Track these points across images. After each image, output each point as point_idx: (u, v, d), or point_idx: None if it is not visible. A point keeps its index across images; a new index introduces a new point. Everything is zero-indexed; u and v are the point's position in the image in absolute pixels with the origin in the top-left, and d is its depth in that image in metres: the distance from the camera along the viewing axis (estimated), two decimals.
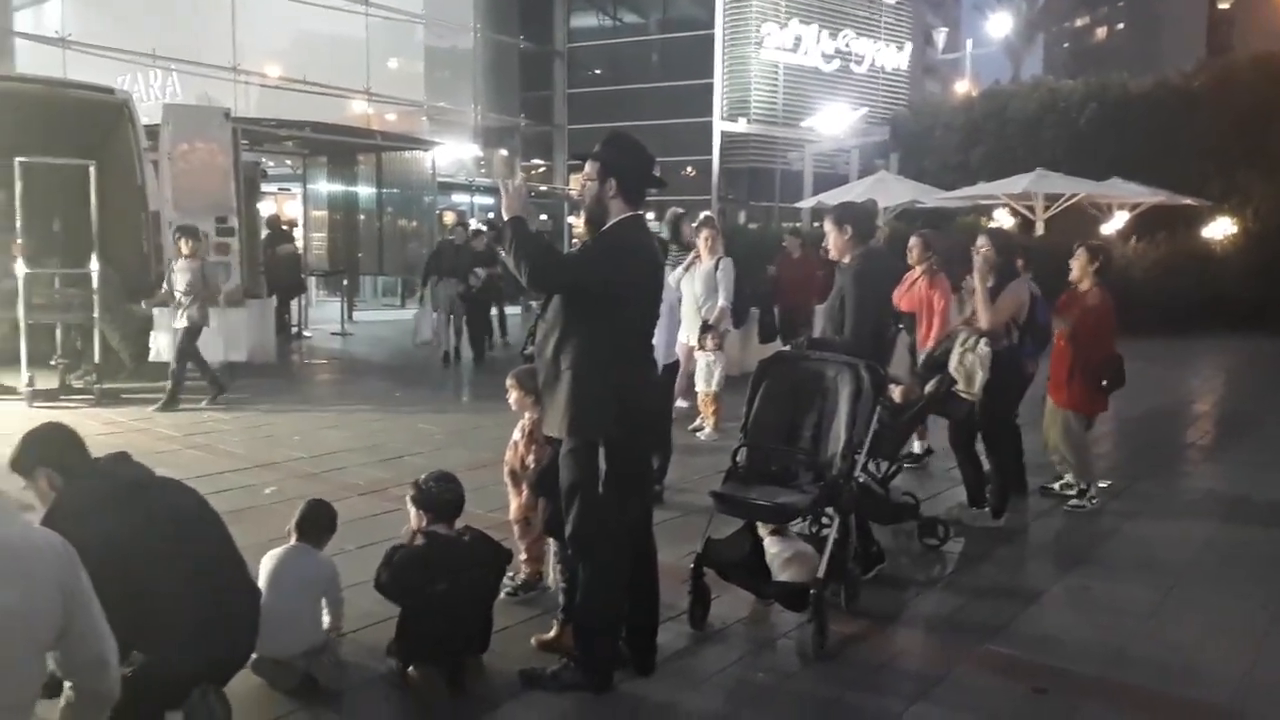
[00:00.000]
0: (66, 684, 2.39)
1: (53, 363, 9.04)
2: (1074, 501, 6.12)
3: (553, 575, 4.12)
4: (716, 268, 7.75)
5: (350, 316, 15.93)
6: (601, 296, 3.42)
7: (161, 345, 9.52)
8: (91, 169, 8.68)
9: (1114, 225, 18.24)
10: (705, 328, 7.70)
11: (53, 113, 9.65)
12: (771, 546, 4.21)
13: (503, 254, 3.47)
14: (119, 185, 9.59)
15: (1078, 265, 6.16)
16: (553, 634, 3.80)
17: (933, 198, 18.69)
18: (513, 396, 4.35)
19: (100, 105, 10.15)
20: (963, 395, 5.40)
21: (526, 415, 4.30)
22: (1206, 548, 5.51)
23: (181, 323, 8.55)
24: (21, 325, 8.67)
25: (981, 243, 5.79)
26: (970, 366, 5.32)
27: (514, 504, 4.38)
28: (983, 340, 5.40)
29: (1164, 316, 15.01)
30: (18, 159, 8.52)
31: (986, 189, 18.07)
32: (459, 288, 11.61)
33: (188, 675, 2.86)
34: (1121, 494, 6.49)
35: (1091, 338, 6.03)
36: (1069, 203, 17.41)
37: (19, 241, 8.50)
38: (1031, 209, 17.74)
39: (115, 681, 2.36)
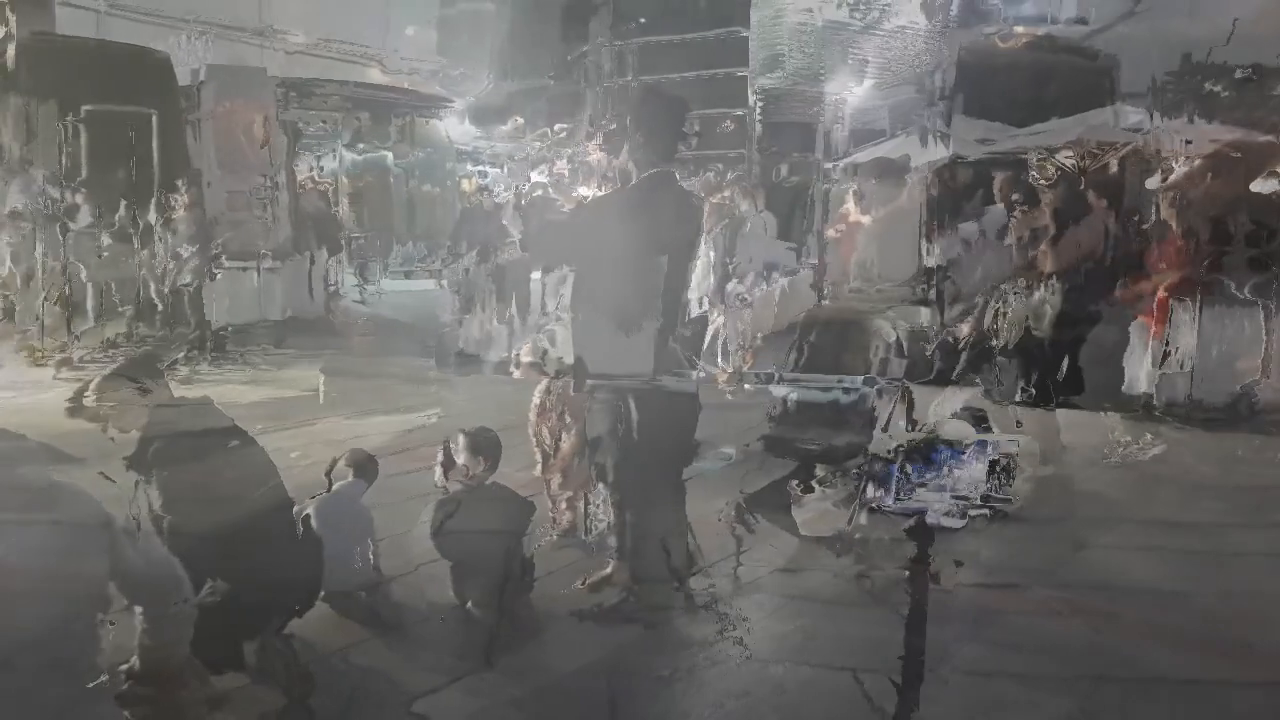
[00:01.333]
0: (137, 611, 2.44)
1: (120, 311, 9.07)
2: (1129, 449, 6.02)
3: (602, 519, 4.18)
4: (727, 230, 7.46)
5: (379, 281, 15.87)
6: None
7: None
8: (154, 117, 8.63)
9: (1187, 164, 17.56)
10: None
11: (106, 69, 9.62)
12: (796, 511, 4.22)
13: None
14: (167, 143, 9.63)
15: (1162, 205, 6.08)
16: (607, 572, 3.86)
17: (978, 150, 18.17)
18: (518, 374, 4.49)
19: (149, 62, 10.17)
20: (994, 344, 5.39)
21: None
22: (1266, 497, 5.36)
23: (168, 282, 8.45)
24: (84, 282, 8.64)
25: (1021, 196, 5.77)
26: (1038, 305, 5.27)
27: (540, 462, 4.48)
28: (1053, 278, 5.35)
29: (1248, 260, 14.53)
30: (83, 107, 8.44)
31: (1043, 139, 17.48)
32: (481, 263, 9.91)
33: (262, 607, 2.99)
34: (1177, 444, 6.31)
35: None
36: (1133, 145, 16.87)
37: (80, 195, 8.47)
38: (1097, 150, 17.20)
39: (186, 584, 2.50)
